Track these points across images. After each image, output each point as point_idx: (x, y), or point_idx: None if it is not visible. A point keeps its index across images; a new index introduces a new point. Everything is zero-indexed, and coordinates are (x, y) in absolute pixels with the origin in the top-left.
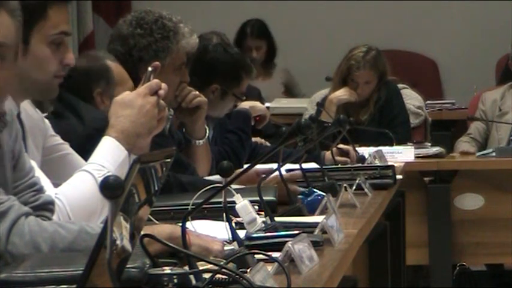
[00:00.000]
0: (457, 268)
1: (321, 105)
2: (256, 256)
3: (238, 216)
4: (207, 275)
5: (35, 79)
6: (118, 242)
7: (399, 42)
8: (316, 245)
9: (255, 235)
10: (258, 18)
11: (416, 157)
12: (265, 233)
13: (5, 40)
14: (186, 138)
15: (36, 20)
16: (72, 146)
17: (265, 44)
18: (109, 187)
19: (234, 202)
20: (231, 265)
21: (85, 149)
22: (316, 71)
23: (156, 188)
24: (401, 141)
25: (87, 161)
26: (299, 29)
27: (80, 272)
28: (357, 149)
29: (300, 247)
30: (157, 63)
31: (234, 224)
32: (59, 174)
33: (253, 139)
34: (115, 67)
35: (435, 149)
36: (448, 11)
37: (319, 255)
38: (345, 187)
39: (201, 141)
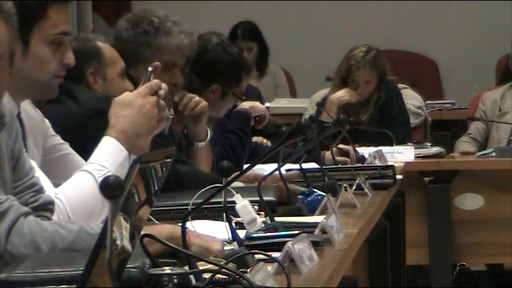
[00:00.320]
0: (457, 268)
1: (321, 105)
2: (256, 256)
3: (238, 216)
4: (207, 275)
5: (35, 79)
6: (118, 242)
7: (399, 42)
8: (316, 245)
9: (255, 235)
10: (249, 20)
11: (416, 157)
12: (265, 233)
13: None
14: (188, 140)
15: (36, 20)
16: (70, 127)
17: (256, 45)
18: (109, 187)
19: (234, 202)
20: (231, 265)
21: (83, 129)
22: (316, 71)
23: (156, 188)
24: (401, 141)
25: (86, 139)
26: (299, 29)
27: (80, 272)
28: (357, 149)
29: (300, 247)
30: (157, 63)
31: (234, 224)
32: (59, 174)
33: (255, 138)
34: (106, 48)
35: (435, 149)
36: (448, 11)
37: (319, 255)
38: (345, 187)
39: (203, 143)
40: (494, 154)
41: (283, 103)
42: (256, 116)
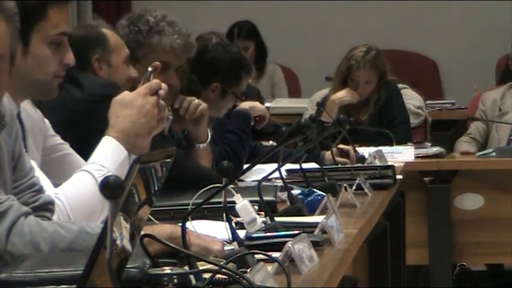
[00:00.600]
0: (457, 268)
1: (321, 105)
2: (256, 256)
3: (238, 216)
4: (207, 275)
5: (35, 79)
6: (118, 242)
7: (399, 42)
8: (316, 245)
9: (255, 235)
10: (247, 20)
11: (416, 157)
12: (265, 233)
13: None
14: (188, 141)
15: (36, 20)
16: (74, 113)
17: (253, 45)
18: (109, 187)
19: (234, 202)
20: (231, 265)
21: (88, 115)
22: (316, 71)
23: (156, 188)
24: (401, 141)
25: (91, 125)
26: (299, 29)
27: (80, 272)
28: (357, 149)
29: (300, 247)
30: (157, 63)
31: (234, 224)
32: (59, 174)
33: (264, 143)
34: (110, 34)
35: (435, 149)
36: (448, 11)
37: (319, 255)
38: (345, 187)
39: (203, 145)
40: (494, 154)
41: (283, 103)
42: (256, 116)
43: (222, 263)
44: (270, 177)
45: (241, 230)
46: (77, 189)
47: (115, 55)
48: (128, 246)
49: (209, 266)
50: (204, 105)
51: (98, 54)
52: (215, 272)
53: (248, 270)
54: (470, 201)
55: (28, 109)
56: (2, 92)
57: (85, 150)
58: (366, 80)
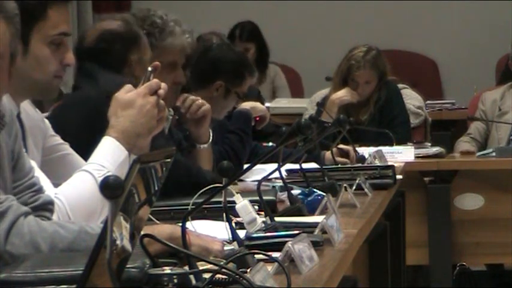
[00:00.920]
0: (457, 268)
1: (321, 105)
2: (256, 256)
3: (238, 216)
4: (207, 275)
5: (35, 79)
6: (118, 242)
7: (399, 42)
8: (316, 245)
9: (255, 235)
10: (249, 21)
11: (416, 157)
12: (265, 233)
13: None
14: (191, 142)
15: (36, 20)
16: (89, 111)
17: (254, 46)
18: (109, 187)
19: (234, 202)
20: (231, 265)
21: (100, 114)
22: (316, 71)
23: (156, 188)
24: (401, 141)
25: (104, 123)
26: (299, 29)
27: (80, 272)
28: (357, 149)
29: (300, 247)
30: (157, 63)
31: (234, 224)
32: (58, 174)
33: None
34: (142, 35)
35: (435, 149)
36: (448, 11)
37: (319, 255)
38: (345, 187)
39: (205, 146)
40: (494, 154)
41: (283, 103)
42: (257, 116)
43: (222, 263)
44: (270, 177)
45: (241, 230)
46: (77, 189)
47: (145, 57)
48: (128, 246)
49: (209, 266)
50: (207, 106)
51: (136, 54)
52: (215, 272)
53: (248, 270)
54: (470, 201)
55: (28, 109)
56: (1, 92)
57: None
58: (366, 80)
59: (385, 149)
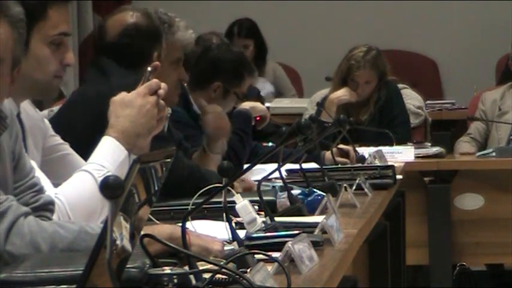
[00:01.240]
0: (457, 268)
1: (321, 105)
2: (256, 256)
3: (238, 216)
4: (207, 275)
5: (35, 79)
6: (118, 242)
7: (399, 42)
8: (316, 245)
9: (255, 235)
10: (247, 18)
11: (416, 157)
12: (265, 233)
13: None
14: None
15: (36, 20)
16: (98, 109)
17: (252, 43)
18: (109, 187)
19: (234, 202)
20: (231, 265)
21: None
22: (316, 71)
23: (156, 188)
24: (401, 141)
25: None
26: (299, 29)
27: (80, 272)
28: (357, 149)
29: (300, 247)
30: (156, 62)
31: (234, 224)
32: (58, 174)
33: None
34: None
35: (435, 149)
36: (448, 11)
37: (319, 255)
38: (345, 187)
39: (216, 155)
40: (494, 154)
41: (284, 103)
42: (257, 116)
43: (222, 263)
44: (270, 177)
45: (241, 230)
46: (77, 189)
47: (163, 52)
48: (128, 246)
49: (209, 266)
50: (228, 127)
51: (157, 50)
52: (215, 272)
53: (248, 270)
54: (470, 201)
55: (28, 109)
56: (1, 96)
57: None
58: (365, 80)
59: (385, 149)
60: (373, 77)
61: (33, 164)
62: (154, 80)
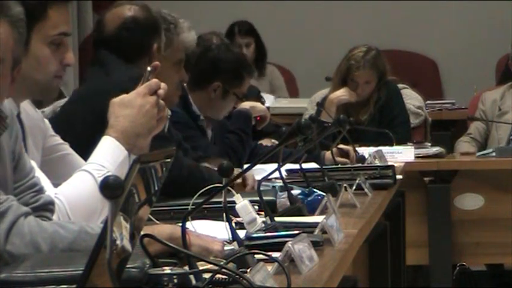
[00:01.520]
0: (457, 268)
1: (321, 105)
2: (256, 256)
3: (238, 216)
4: (207, 275)
5: (35, 79)
6: (118, 242)
7: (399, 42)
8: (316, 245)
9: (255, 235)
10: (245, 20)
11: (416, 157)
12: (265, 233)
13: None
14: None
15: (36, 20)
16: (99, 104)
17: (253, 42)
18: (109, 187)
19: (234, 202)
20: (231, 265)
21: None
22: (316, 71)
23: (156, 188)
24: (401, 141)
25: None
26: (299, 29)
27: (80, 272)
28: (357, 149)
29: (300, 247)
30: (156, 63)
31: (234, 224)
32: (58, 174)
33: (264, 143)
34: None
35: (435, 149)
36: (448, 10)
37: (319, 255)
38: (345, 187)
39: None
40: (494, 154)
41: (283, 103)
42: (257, 116)
43: (222, 263)
44: (270, 177)
45: (241, 230)
46: (77, 189)
47: (163, 46)
48: (128, 246)
49: (209, 266)
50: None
51: (157, 43)
52: (215, 272)
53: (248, 270)
54: (470, 201)
55: (28, 109)
56: (2, 96)
57: None
58: (365, 80)
59: (385, 149)
60: (373, 77)
61: (33, 164)
62: (154, 80)
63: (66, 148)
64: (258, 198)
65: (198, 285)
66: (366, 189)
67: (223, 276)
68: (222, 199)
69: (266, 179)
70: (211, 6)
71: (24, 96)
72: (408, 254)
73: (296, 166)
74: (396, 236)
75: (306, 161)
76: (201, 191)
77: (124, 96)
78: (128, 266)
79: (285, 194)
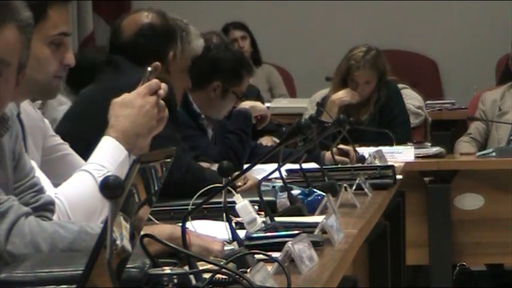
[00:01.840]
0: (457, 268)
1: (321, 105)
2: (256, 256)
3: (238, 216)
4: (207, 275)
5: (35, 79)
6: (118, 242)
7: (399, 42)
8: (316, 245)
9: (255, 235)
10: (238, 21)
11: (416, 157)
12: (265, 233)
13: (4, 57)
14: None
15: (36, 20)
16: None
17: (248, 36)
18: (109, 187)
19: (234, 202)
20: (231, 265)
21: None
22: (316, 71)
23: (156, 188)
24: (401, 141)
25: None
26: (299, 29)
27: (80, 272)
28: (357, 149)
29: (300, 247)
30: (157, 63)
31: (234, 224)
32: (58, 174)
33: (265, 141)
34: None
35: (435, 149)
36: (448, 10)
37: (319, 255)
38: (345, 187)
39: None
40: (494, 154)
41: (283, 103)
42: (257, 115)
43: (222, 263)
44: (270, 177)
45: (241, 230)
46: (77, 189)
47: (179, 54)
48: (128, 246)
49: (209, 266)
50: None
51: (173, 50)
52: (215, 272)
53: (248, 270)
54: (470, 201)
55: (28, 109)
56: (5, 99)
57: None
58: (365, 80)
59: (385, 149)
60: (373, 77)
61: (33, 164)
62: (154, 80)
63: (66, 148)
64: (258, 198)
65: (198, 285)
66: (366, 189)
67: (223, 276)
68: (222, 199)
69: (266, 179)
70: (210, 6)
71: (24, 96)
72: (408, 254)
73: (296, 166)
74: (396, 236)
75: (306, 161)
76: (201, 191)
77: (125, 96)
78: (128, 266)
79: (285, 194)
